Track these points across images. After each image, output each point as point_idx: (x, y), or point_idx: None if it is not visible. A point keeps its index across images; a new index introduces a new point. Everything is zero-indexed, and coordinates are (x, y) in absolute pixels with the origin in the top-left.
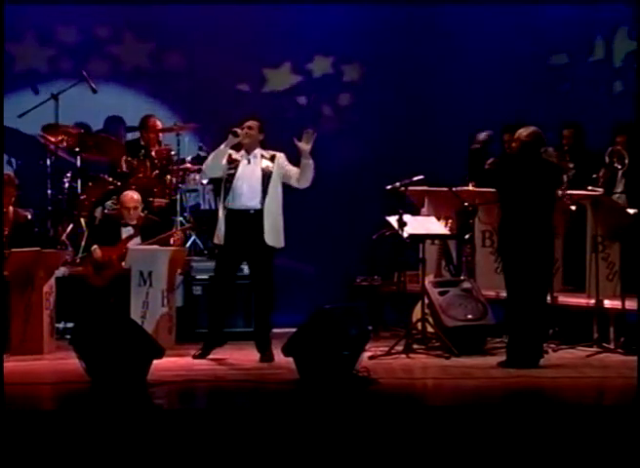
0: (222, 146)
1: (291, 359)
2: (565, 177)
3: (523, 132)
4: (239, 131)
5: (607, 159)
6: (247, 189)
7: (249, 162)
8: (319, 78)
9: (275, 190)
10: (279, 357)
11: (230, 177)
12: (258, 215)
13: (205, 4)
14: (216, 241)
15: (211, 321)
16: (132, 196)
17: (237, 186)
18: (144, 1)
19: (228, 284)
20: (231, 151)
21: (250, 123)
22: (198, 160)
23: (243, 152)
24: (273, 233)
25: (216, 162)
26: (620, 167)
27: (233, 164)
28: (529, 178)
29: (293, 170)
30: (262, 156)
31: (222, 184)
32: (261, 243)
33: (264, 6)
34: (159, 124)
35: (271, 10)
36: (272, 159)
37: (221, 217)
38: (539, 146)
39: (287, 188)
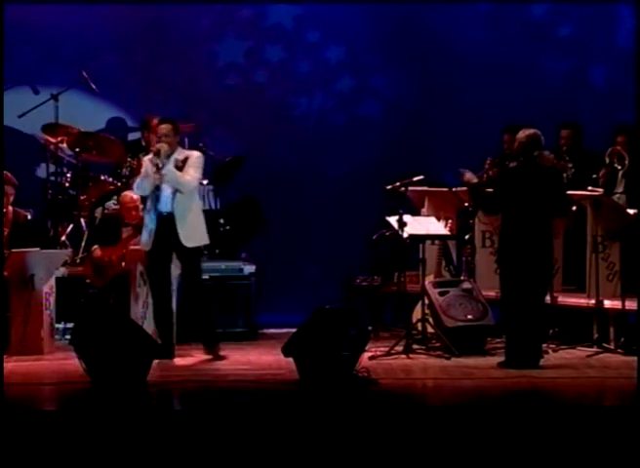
0: (150, 170)
1: (291, 359)
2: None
3: (521, 133)
4: (159, 147)
5: (607, 159)
6: (164, 194)
7: (163, 167)
8: (320, 78)
9: (184, 193)
10: (279, 357)
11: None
12: (172, 219)
13: (208, 4)
14: (142, 247)
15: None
16: (131, 196)
17: (160, 191)
18: (145, 1)
19: (167, 287)
20: (149, 157)
21: (164, 130)
22: None
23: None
24: (189, 234)
25: (145, 183)
26: (619, 167)
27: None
28: (526, 182)
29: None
30: (176, 160)
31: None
32: (181, 246)
33: (267, 5)
34: None
35: (273, 8)
36: (184, 161)
37: (150, 223)
38: (534, 148)
39: (287, 187)
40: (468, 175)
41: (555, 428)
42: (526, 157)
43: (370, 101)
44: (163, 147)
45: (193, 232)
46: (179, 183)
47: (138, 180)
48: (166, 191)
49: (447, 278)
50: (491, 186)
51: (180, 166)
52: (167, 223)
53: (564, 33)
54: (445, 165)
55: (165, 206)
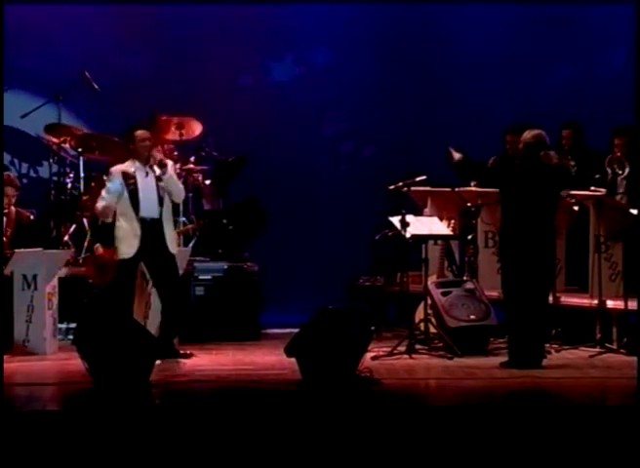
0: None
1: (294, 359)
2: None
3: (527, 134)
4: (162, 158)
5: (608, 170)
6: (148, 200)
7: (147, 174)
8: (321, 76)
9: (169, 198)
10: (282, 357)
11: (134, 192)
12: (158, 225)
13: (208, 4)
14: (124, 256)
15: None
16: None
17: (143, 198)
18: (145, 0)
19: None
20: (123, 166)
21: (147, 135)
22: (200, 159)
23: (137, 164)
24: (173, 241)
25: (112, 206)
26: (620, 172)
27: (132, 179)
28: (530, 181)
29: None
30: (153, 165)
31: (126, 200)
32: (166, 251)
33: (268, 5)
34: None
35: (273, 7)
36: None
37: (131, 231)
38: (541, 149)
39: (290, 187)
40: (457, 156)
41: (558, 428)
42: (531, 157)
43: (373, 101)
44: (159, 157)
45: (174, 238)
46: (179, 190)
47: (104, 205)
48: (150, 197)
49: (449, 278)
50: (492, 174)
51: (159, 167)
52: (152, 230)
53: (564, 33)
54: (448, 165)
55: (150, 212)
